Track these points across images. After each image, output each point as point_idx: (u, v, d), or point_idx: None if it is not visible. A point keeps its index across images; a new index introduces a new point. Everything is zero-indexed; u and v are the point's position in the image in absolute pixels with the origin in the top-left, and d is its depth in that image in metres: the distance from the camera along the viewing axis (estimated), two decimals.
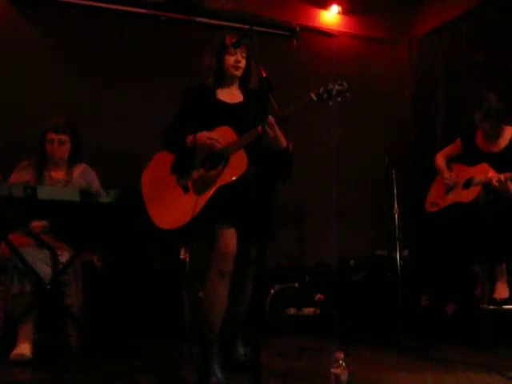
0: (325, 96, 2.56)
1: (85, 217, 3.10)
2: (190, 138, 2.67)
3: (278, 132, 2.62)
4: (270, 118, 2.55)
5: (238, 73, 2.82)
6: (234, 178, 2.58)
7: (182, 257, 3.73)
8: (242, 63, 2.80)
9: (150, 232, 2.71)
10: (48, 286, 3.05)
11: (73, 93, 4.19)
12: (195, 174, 2.68)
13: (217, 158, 2.65)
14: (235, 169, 2.60)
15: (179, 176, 2.71)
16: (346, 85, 2.57)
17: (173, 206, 2.66)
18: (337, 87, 2.55)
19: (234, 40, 2.70)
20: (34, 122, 3.53)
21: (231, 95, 2.84)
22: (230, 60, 2.78)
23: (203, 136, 2.65)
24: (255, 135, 2.58)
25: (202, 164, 2.68)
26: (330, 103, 2.57)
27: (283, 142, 2.67)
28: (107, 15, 4.45)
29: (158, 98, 4.37)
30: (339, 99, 2.57)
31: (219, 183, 2.60)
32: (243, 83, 2.87)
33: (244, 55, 2.81)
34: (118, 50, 4.44)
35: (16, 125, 4.01)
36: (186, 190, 2.67)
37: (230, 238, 2.59)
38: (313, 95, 2.57)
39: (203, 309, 2.64)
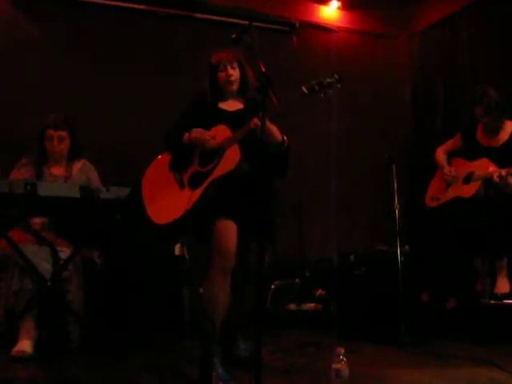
0: (316, 88, 2.55)
1: (85, 213, 3.09)
2: (186, 136, 2.71)
3: (271, 125, 2.61)
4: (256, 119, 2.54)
5: (234, 87, 2.86)
6: (227, 170, 2.60)
7: (176, 253, 3.73)
8: (235, 76, 2.84)
9: (150, 230, 2.72)
10: (48, 283, 3.06)
11: (73, 91, 4.18)
12: (190, 170, 2.72)
13: (212, 155, 2.68)
14: (229, 162, 2.62)
15: (176, 173, 2.75)
16: (336, 76, 2.56)
17: (168, 202, 2.68)
18: (328, 80, 2.55)
19: (222, 51, 2.79)
20: (34, 121, 3.52)
21: (231, 105, 2.89)
22: (222, 76, 2.83)
23: (198, 131, 2.69)
24: (248, 130, 2.60)
25: (197, 161, 2.73)
26: (322, 95, 2.56)
27: (278, 135, 2.66)
28: (106, 12, 4.43)
29: (157, 95, 4.37)
30: (331, 91, 2.56)
31: (213, 177, 2.63)
32: (242, 92, 2.90)
33: (235, 65, 2.84)
34: (118, 47, 4.43)
35: (16, 124, 4.00)
36: (181, 185, 2.71)
37: (229, 232, 2.60)
38: (304, 89, 2.56)
39: (204, 305, 2.64)
